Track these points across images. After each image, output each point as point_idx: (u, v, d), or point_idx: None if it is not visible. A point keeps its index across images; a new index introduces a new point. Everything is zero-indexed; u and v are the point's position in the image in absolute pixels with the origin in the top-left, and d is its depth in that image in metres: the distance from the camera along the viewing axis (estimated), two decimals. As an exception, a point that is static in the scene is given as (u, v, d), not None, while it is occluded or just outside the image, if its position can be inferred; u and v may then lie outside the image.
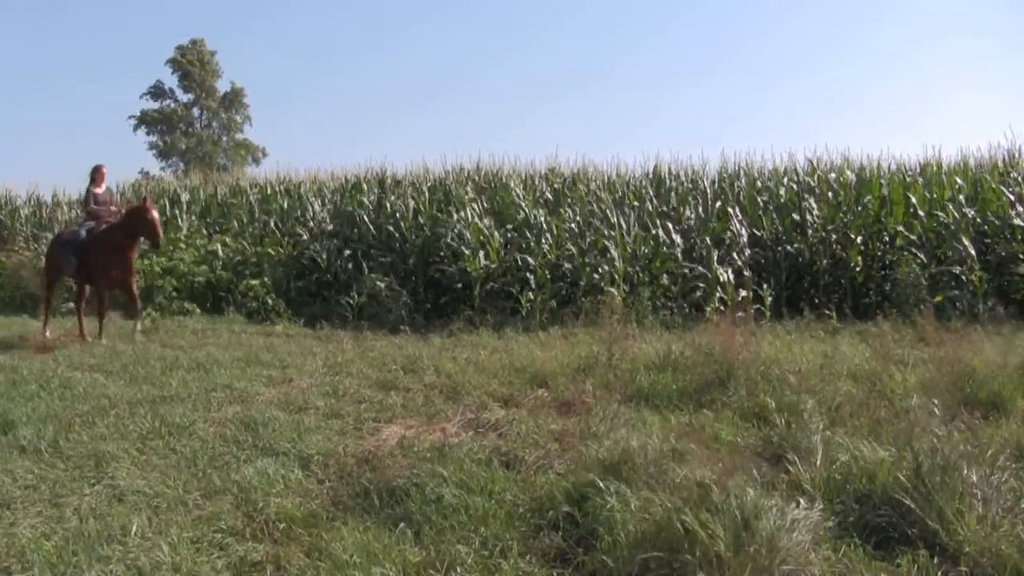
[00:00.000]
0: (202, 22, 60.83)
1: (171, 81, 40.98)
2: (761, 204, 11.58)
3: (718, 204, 11.59)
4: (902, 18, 62.36)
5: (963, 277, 9.67)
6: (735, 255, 10.47)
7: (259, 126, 53.25)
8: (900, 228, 10.72)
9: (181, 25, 67.33)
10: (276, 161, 44.62)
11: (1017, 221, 10.10)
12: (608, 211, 11.29)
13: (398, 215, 12.02)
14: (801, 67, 64.81)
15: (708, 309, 9.48)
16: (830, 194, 11.44)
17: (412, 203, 12.23)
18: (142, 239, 8.81)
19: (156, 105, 40.75)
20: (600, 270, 10.23)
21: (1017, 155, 12.11)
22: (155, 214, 8.68)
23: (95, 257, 8.73)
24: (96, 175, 9.40)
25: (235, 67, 50.86)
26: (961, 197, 10.65)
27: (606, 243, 10.54)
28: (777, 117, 58.92)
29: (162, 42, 64.34)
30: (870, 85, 60.69)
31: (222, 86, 41.69)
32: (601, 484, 3.47)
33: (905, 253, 10.46)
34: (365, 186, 13.91)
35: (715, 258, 10.06)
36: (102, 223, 9.05)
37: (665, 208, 11.84)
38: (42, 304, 9.78)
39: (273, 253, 11.91)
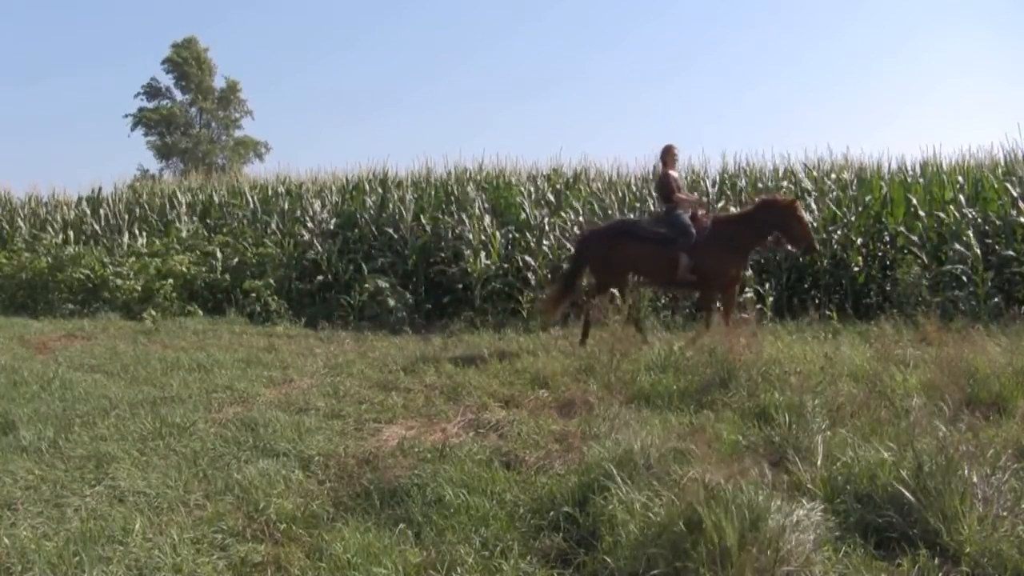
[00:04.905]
0: (201, 19, 60.85)
1: (166, 80, 40.98)
2: (762, 204, 11.53)
3: (720, 204, 11.57)
4: (895, 10, 62.18)
5: (964, 277, 9.65)
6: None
7: (261, 122, 53.19)
8: (901, 228, 10.71)
9: (180, 21, 67.47)
10: (277, 162, 44.59)
11: (1021, 219, 10.07)
12: (610, 211, 11.28)
13: (399, 216, 12.03)
14: (800, 66, 64.75)
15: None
16: (830, 195, 11.43)
17: (413, 204, 12.23)
18: (774, 240, 7.73)
19: (152, 105, 40.64)
20: (601, 271, 10.20)
21: (1020, 154, 12.06)
22: (803, 213, 7.56)
23: (719, 257, 7.46)
24: (668, 156, 8.02)
25: (232, 64, 50.99)
26: (961, 197, 10.63)
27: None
28: (777, 117, 58.90)
29: (160, 39, 64.56)
30: (870, 86, 60.64)
31: (218, 84, 41.59)
32: (604, 484, 3.46)
33: (906, 253, 10.45)
34: (367, 186, 13.91)
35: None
36: (699, 216, 7.76)
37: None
38: (586, 314, 7.95)
39: (274, 254, 11.92)
